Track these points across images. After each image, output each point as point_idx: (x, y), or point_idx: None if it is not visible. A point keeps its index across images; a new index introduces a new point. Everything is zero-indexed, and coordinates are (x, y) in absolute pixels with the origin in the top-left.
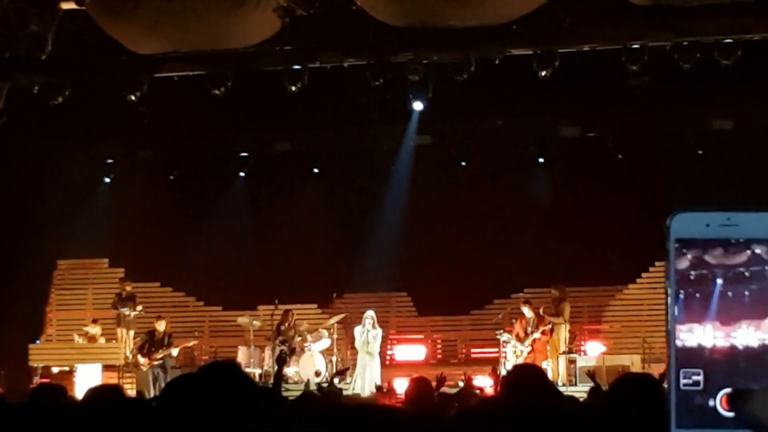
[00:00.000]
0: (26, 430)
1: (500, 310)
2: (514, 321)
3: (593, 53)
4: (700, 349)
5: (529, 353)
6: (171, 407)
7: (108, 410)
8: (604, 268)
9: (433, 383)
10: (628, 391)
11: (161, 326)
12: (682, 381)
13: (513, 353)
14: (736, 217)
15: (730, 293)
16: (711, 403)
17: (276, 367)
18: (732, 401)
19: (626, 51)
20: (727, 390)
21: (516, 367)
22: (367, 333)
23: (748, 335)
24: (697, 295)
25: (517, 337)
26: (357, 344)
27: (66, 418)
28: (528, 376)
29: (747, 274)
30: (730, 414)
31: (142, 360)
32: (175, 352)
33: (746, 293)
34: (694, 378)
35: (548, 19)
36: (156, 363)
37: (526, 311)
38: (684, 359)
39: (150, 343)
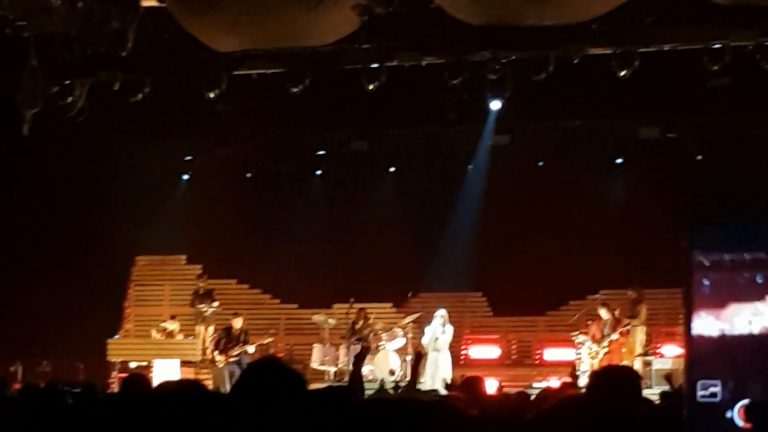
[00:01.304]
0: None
1: (576, 311)
2: (589, 322)
3: (673, 53)
4: (718, 360)
5: (605, 354)
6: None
7: (189, 403)
8: (681, 270)
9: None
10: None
11: (238, 323)
12: (699, 393)
13: (588, 355)
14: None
15: (748, 304)
16: (728, 414)
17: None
18: (749, 413)
19: (707, 51)
20: (745, 402)
21: (608, 368)
22: (434, 330)
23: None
24: (716, 307)
25: (593, 338)
26: (424, 341)
27: (151, 409)
28: (621, 378)
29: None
30: (748, 425)
31: (218, 357)
32: (251, 349)
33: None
34: (712, 390)
35: (628, 18)
36: (232, 359)
37: (603, 313)
38: (701, 371)
39: (226, 340)
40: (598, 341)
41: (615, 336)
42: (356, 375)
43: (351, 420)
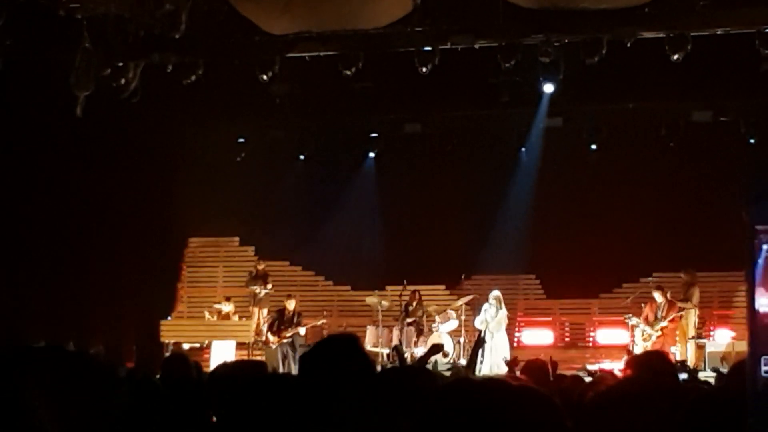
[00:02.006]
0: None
1: (629, 293)
2: (643, 305)
3: (726, 37)
4: None
5: (657, 338)
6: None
7: (253, 384)
8: (734, 253)
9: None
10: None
11: (291, 305)
12: (764, 368)
13: (641, 338)
14: None
15: None
16: None
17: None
18: None
19: (760, 35)
20: None
21: (645, 353)
22: (486, 312)
23: None
24: None
25: (646, 320)
26: (477, 323)
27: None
28: (654, 360)
29: None
30: None
31: (271, 338)
32: (303, 330)
33: None
34: None
35: (681, 1)
36: (285, 341)
37: (658, 296)
38: (765, 346)
39: (279, 321)
40: (651, 324)
41: (665, 323)
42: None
43: (434, 402)
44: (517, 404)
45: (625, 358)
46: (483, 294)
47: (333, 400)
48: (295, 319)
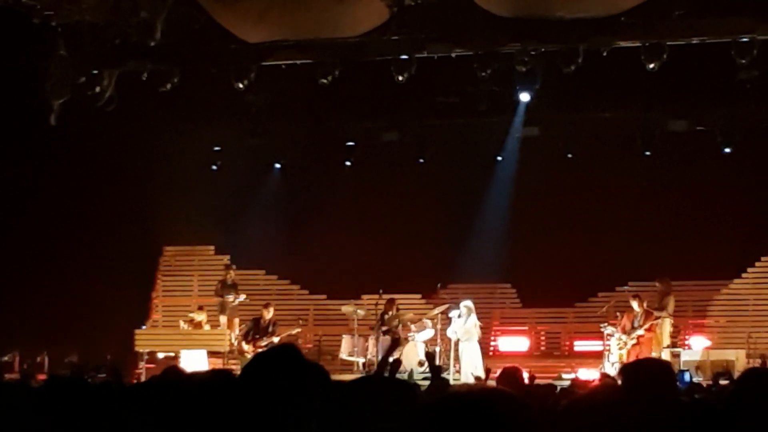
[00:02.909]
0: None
1: (605, 303)
2: (618, 314)
3: (702, 46)
4: None
5: (633, 347)
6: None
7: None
8: (709, 263)
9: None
10: (756, 386)
11: (268, 314)
12: None
13: (617, 346)
14: None
15: None
16: None
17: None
18: None
19: (735, 45)
20: None
21: (642, 360)
22: (454, 321)
23: None
24: None
25: (623, 329)
26: (448, 332)
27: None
28: (654, 369)
29: None
30: None
31: (246, 347)
32: (277, 340)
33: None
34: None
35: (657, 11)
36: (260, 350)
37: (635, 305)
38: None
39: (255, 330)
40: (628, 332)
41: (642, 332)
42: (383, 364)
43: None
44: (497, 412)
45: (601, 367)
46: (459, 303)
47: (286, 411)
48: (270, 328)
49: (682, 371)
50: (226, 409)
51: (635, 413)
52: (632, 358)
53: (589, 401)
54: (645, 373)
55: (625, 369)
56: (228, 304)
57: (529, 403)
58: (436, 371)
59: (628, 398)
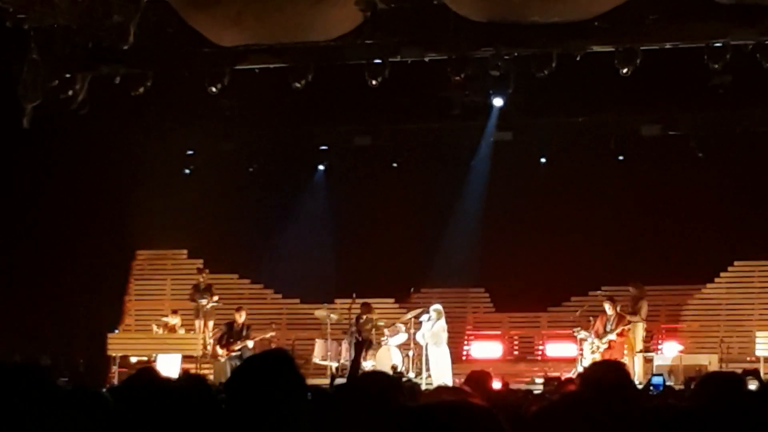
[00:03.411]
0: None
1: (578, 307)
2: (591, 318)
3: (675, 51)
4: None
5: (605, 350)
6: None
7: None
8: (682, 267)
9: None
10: (713, 390)
11: (241, 318)
12: None
13: (590, 350)
14: None
15: None
16: None
17: (354, 354)
18: None
19: (709, 49)
20: None
21: (597, 363)
22: (423, 324)
23: None
24: None
25: (596, 333)
26: (418, 337)
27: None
28: (609, 372)
29: None
30: None
31: (220, 351)
32: (251, 344)
33: None
34: None
35: (630, 16)
36: (234, 354)
37: (608, 308)
38: None
39: (228, 335)
40: (600, 336)
41: (613, 336)
42: (356, 366)
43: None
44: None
45: (574, 371)
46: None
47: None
48: (244, 332)
49: (654, 375)
50: (207, 417)
51: (595, 418)
52: None
53: (557, 407)
54: (601, 377)
55: (582, 374)
56: (202, 308)
57: (496, 409)
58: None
59: (587, 403)
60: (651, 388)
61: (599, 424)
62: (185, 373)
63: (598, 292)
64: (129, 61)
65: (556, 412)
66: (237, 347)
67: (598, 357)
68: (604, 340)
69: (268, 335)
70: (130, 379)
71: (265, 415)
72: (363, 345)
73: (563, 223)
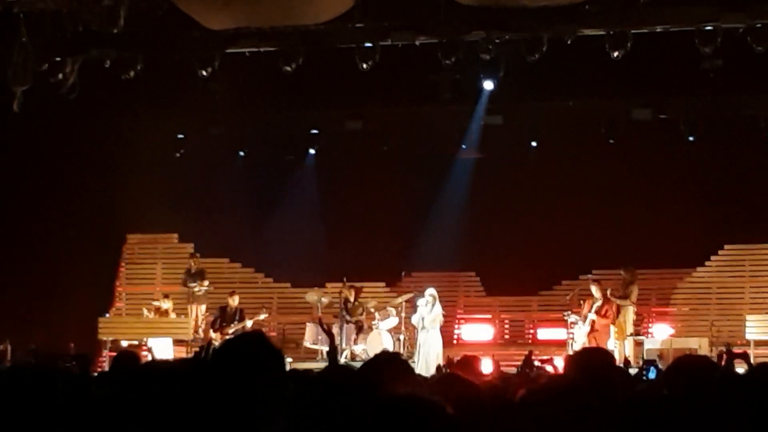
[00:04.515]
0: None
1: (569, 291)
2: (582, 302)
3: (666, 35)
4: None
5: (589, 332)
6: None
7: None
8: (673, 251)
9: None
10: (684, 373)
11: (234, 301)
12: None
13: (579, 334)
14: None
15: None
16: None
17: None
18: None
19: (699, 33)
20: None
21: (583, 350)
22: (422, 308)
23: None
24: None
25: (584, 317)
26: (413, 320)
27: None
28: (594, 357)
29: None
30: None
31: (214, 335)
32: (249, 323)
33: None
34: None
35: None
36: (228, 337)
37: (594, 291)
38: None
39: (222, 318)
40: (585, 319)
41: (593, 316)
42: (333, 352)
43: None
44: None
45: (564, 355)
46: (423, 291)
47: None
48: (237, 316)
49: (648, 364)
50: (194, 396)
51: (582, 404)
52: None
53: (544, 392)
54: (587, 363)
55: (568, 360)
56: (194, 293)
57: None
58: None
59: (574, 389)
60: (644, 377)
61: (585, 409)
62: (180, 358)
63: (589, 275)
64: (119, 45)
65: (544, 398)
66: (231, 330)
67: (584, 340)
68: (587, 321)
69: (261, 317)
70: (112, 365)
71: (244, 396)
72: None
73: (554, 207)
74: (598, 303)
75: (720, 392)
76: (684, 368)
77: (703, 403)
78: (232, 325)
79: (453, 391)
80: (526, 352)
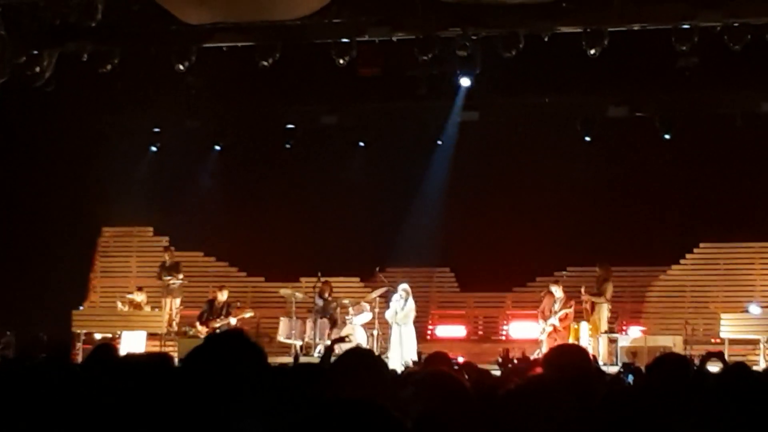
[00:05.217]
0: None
1: (543, 287)
2: (542, 295)
3: (643, 33)
4: None
5: (550, 334)
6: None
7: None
8: (648, 249)
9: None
10: (664, 371)
11: (222, 296)
12: None
13: (539, 331)
14: None
15: None
16: None
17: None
18: None
19: (676, 31)
20: None
21: (559, 347)
22: (395, 304)
23: None
24: None
25: (542, 314)
26: (387, 315)
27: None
28: (571, 354)
29: None
30: None
31: (200, 327)
32: (234, 321)
33: None
34: None
35: None
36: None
37: (555, 290)
38: None
39: (209, 312)
40: (546, 317)
41: (555, 321)
42: (328, 354)
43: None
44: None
45: (538, 351)
46: (397, 286)
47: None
48: (224, 310)
49: (627, 367)
50: (167, 392)
51: (561, 401)
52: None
53: (523, 391)
54: (563, 362)
55: (546, 357)
56: (168, 286)
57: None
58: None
59: (552, 386)
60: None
61: (563, 407)
62: (150, 352)
63: (564, 272)
64: (96, 38)
65: (523, 396)
66: (217, 325)
67: (545, 339)
68: (549, 322)
69: (248, 315)
70: (89, 356)
71: (222, 391)
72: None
73: (529, 204)
74: (560, 302)
75: (695, 390)
76: (665, 366)
77: (681, 400)
78: (219, 319)
79: (439, 386)
80: (500, 350)
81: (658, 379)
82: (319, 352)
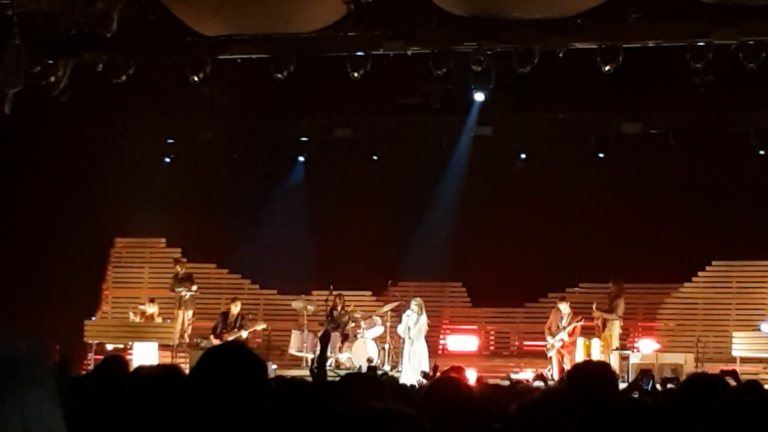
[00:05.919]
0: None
1: (554, 304)
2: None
3: (658, 50)
4: None
5: (558, 350)
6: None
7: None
8: (661, 266)
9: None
10: (698, 390)
11: (236, 308)
12: None
13: (546, 347)
14: None
15: None
16: None
17: (320, 347)
18: None
19: (691, 48)
20: None
21: (584, 363)
22: (408, 318)
23: None
24: None
25: (549, 329)
26: (399, 330)
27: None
28: (595, 372)
29: None
30: None
31: (214, 340)
32: (245, 334)
33: None
34: None
35: (613, 13)
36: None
37: (563, 307)
38: None
39: (223, 325)
40: (553, 334)
41: (564, 336)
42: (321, 359)
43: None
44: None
45: (549, 367)
46: (409, 301)
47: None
48: (238, 323)
49: (644, 374)
50: (174, 404)
51: (579, 418)
52: (558, 362)
53: (537, 405)
54: (588, 377)
55: (570, 373)
56: (181, 298)
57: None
58: (322, 358)
59: (573, 402)
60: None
61: (581, 421)
62: (161, 364)
63: (576, 289)
64: (111, 49)
65: (538, 409)
66: (230, 337)
67: (553, 354)
68: (557, 338)
69: (260, 327)
70: (98, 367)
71: (226, 404)
72: (328, 337)
73: (542, 220)
74: (567, 318)
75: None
76: (699, 385)
77: (714, 420)
78: (232, 332)
79: (448, 398)
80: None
81: (691, 400)
82: (330, 365)
